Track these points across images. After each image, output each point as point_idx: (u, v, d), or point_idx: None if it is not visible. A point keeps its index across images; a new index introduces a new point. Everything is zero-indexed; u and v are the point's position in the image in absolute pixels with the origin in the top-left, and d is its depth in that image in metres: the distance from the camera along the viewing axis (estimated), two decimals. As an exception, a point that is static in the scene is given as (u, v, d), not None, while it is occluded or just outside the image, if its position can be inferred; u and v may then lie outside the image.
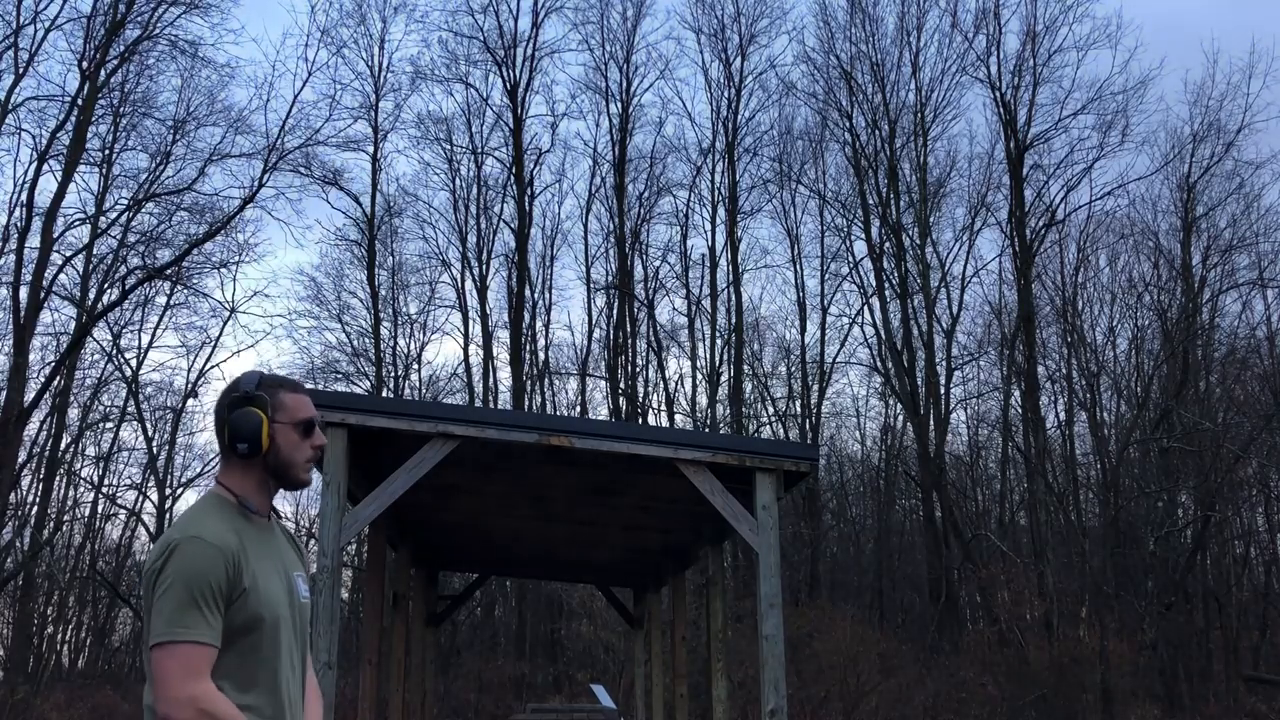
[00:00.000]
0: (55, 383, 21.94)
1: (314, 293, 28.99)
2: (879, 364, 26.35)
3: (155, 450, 26.70)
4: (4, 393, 18.28)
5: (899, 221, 25.07)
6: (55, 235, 19.50)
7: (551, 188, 37.99)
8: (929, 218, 25.33)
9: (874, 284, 25.60)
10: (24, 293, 18.77)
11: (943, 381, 25.09)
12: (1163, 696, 17.69)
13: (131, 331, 26.09)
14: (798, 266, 28.20)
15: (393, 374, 27.45)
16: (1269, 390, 20.75)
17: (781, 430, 27.18)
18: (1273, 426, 19.54)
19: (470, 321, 27.63)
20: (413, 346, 28.86)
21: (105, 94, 20.72)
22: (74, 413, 25.58)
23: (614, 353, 27.06)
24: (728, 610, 14.30)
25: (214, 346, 27.47)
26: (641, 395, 27.27)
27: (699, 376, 27.40)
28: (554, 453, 7.49)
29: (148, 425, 26.89)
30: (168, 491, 26.74)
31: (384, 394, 25.71)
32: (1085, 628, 16.65)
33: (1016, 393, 24.19)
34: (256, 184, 20.64)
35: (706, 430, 24.64)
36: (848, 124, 26.10)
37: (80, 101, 19.69)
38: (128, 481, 28.20)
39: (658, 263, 28.34)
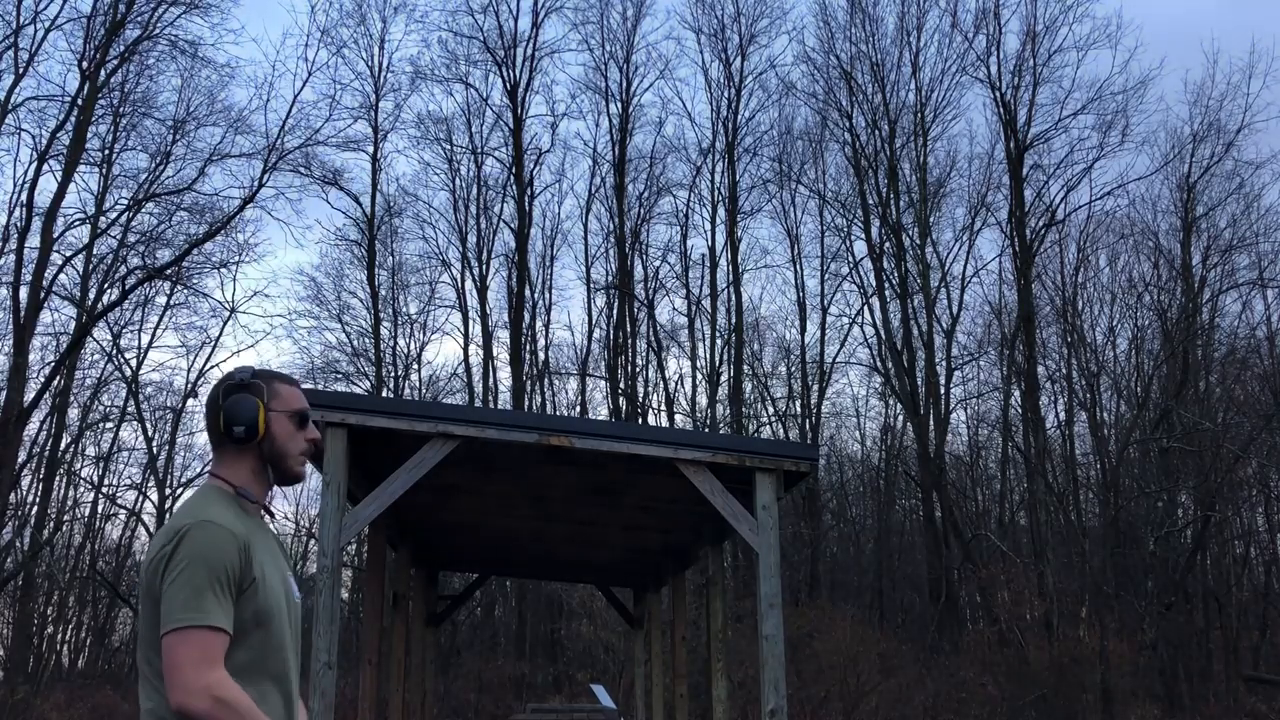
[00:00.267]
0: (55, 383, 21.95)
1: (314, 293, 29.03)
2: (879, 364, 26.37)
3: (155, 450, 26.71)
4: (4, 393, 18.28)
5: (899, 221, 25.08)
6: (55, 235, 19.51)
7: (551, 188, 38.09)
8: (929, 218, 25.34)
9: (874, 284, 25.62)
10: (24, 293, 18.78)
11: (943, 381, 25.11)
12: (1163, 696, 17.69)
13: (131, 331, 26.12)
14: (798, 266, 28.24)
15: (393, 374, 27.47)
16: (1269, 390, 20.75)
17: (781, 430, 27.18)
18: (1273, 426, 19.54)
19: (470, 321, 27.67)
20: (413, 346, 28.89)
21: (105, 94, 20.73)
22: (74, 413, 25.62)
23: (614, 353, 27.07)
24: (728, 610, 14.30)
25: (214, 346, 27.50)
26: (641, 395, 27.29)
27: (699, 376, 27.43)
28: (554, 453, 7.49)
29: (148, 425, 26.91)
30: (168, 491, 26.74)
31: (384, 394, 25.71)
32: (1085, 628, 16.65)
33: (1016, 393, 24.20)
34: (256, 184, 20.66)
35: (706, 430, 24.64)
36: (848, 124, 26.12)
37: (80, 101, 19.69)
38: (128, 481, 28.23)
39: (658, 263, 28.38)
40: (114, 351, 25.44)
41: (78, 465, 26.49)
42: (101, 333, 23.89)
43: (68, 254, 20.52)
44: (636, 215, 27.93)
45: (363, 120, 26.88)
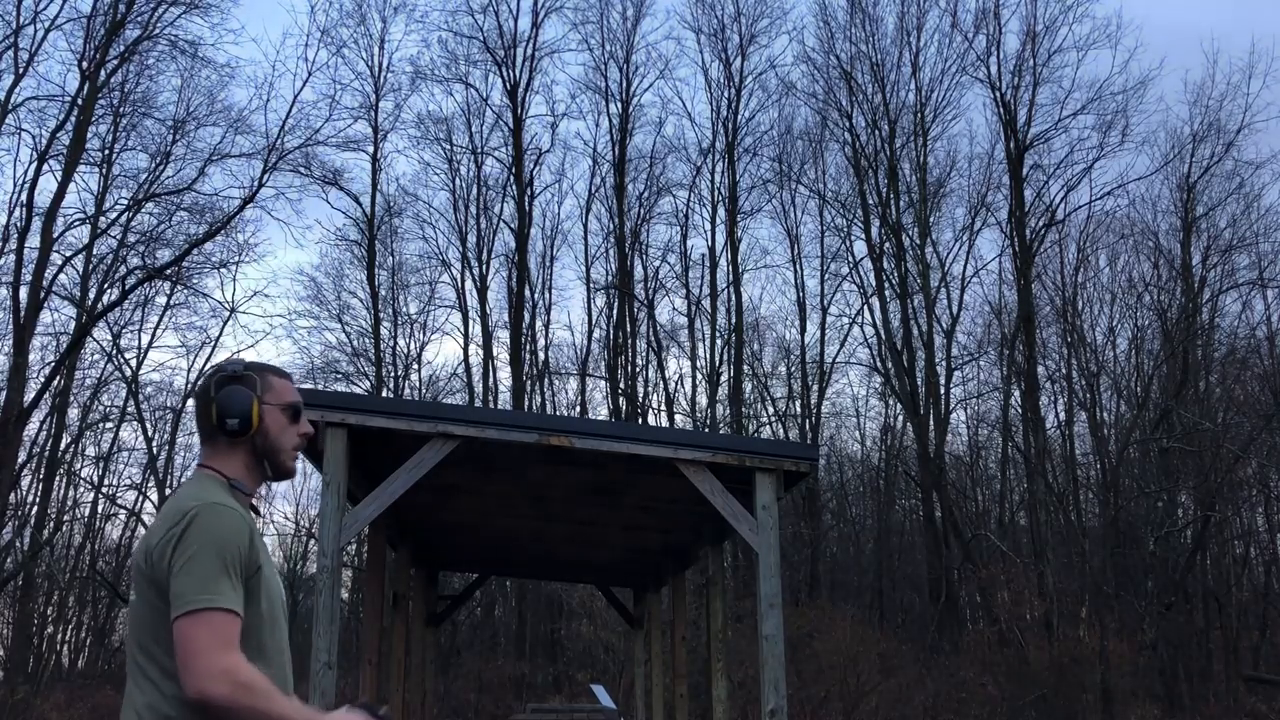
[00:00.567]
0: (55, 383, 21.94)
1: (314, 293, 29.02)
2: (879, 364, 26.36)
3: (155, 450, 26.70)
4: (4, 393, 18.28)
5: (899, 221, 25.08)
6: (55, 235, 19.50)
7: (551, 188, 38.01)
8: (929, 218, 25.34)
9: (874, 284, 25.62)
10: (24, 293, 18.77)
11: (943, 381, 25.10)
12: (1163, 696, 17.69)
13: (131, 331, 26.11)
14: (798, 266, 28.24)
15: (393, 374, 27.47)
16: (1269, 390, 20.75)
17: (781, 430, 27.18)
18: (1273, 426, 19.54)
19: (470, 321, 27.67)
20: (413, 346, 28.89)
21: (105, 94, 20.72)
22: (74, 413, 25.60)
23: (614, 353, 27.07)
24: (728, 610, 14.30)
25: (214, 346, 27.47)
26: (641, 395, 27.28)
27: (699, 376, 27.43)
28: (554, 453, 7.49)
29: (148, 425, 26.90)
30: (168, 491, 26.71)
31: (384, 394, 25.71)
32: (1085, 628, 16.65)
33: (1016, 393, 24.19)
34: (256, 184, 20.65)
35: (706, 430, 24.64)
36: (848, 124, 26.12)
37: (80, 101, 19.69)
38: (128, 481, 28.22)
39: (658, 263, 28.37)
40: (114, 351, 25.45)
41: (78, 465, 26.50)
42: (101, 333, 23.90)
43: (68, 254, 20.53)
44: (636, 215, 27.95)
45: (363, 120, 26.90)
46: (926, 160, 25.87)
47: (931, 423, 23.84)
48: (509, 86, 27.48)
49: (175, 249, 21.65)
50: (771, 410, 27.99)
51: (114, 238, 21.94)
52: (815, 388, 27.12)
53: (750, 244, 43.90)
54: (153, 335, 26.69)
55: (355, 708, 2.20)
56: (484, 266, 27.63)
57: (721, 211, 27.60)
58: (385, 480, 7.00)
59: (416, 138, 35.03)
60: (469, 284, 27.68)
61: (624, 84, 28.17)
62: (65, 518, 26.11)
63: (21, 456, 20.69)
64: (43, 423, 23.43)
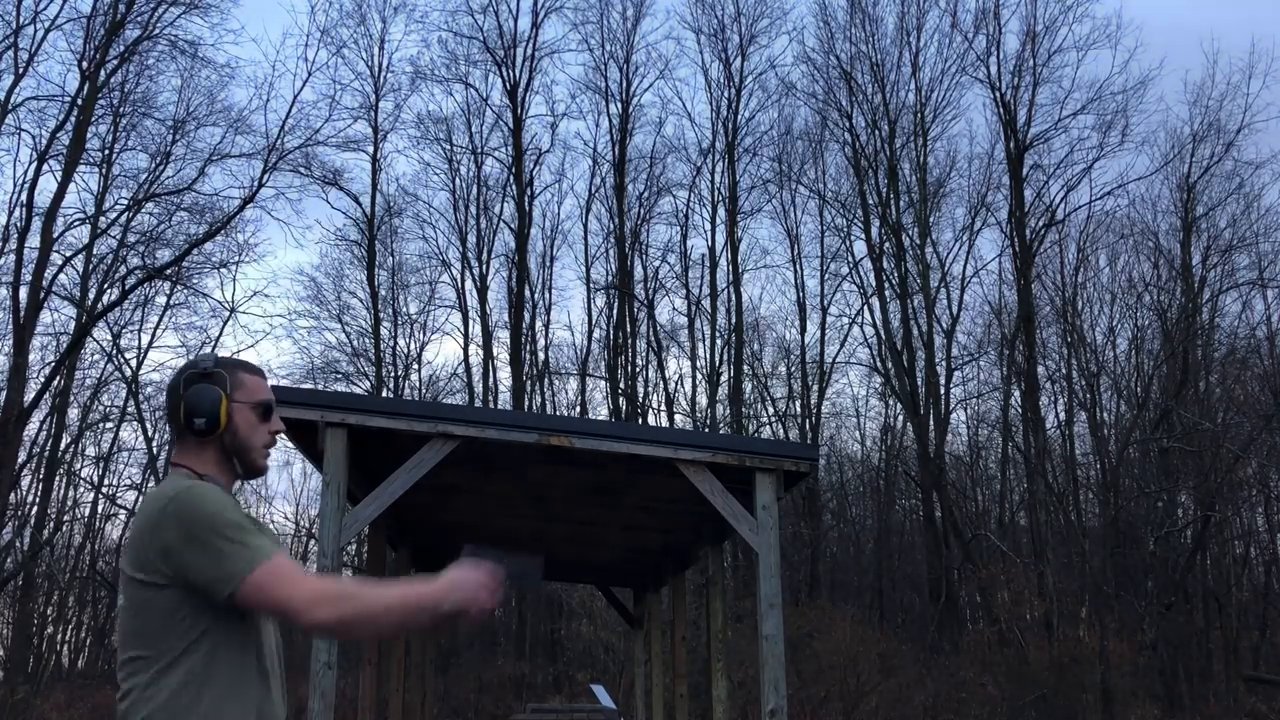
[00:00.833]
0: (55, 383, 21.94)
1: (314, 293, 29.00)
2: (879, 364, 26.36)
3: (155, 450, 26.67)
4: (4, 393, 18.28)
5: (899, 221, 25.08)
6: (55, 235, 19.51)
7: (551, 188, 38.01)
8: (929, 218, 25.34)
9: (874, 284, 25.62)
10: (24, 293, 18.78)
11: (943, 381, 25.10)
12: (1163, 696, 17.69)
13: (131, 331, 26.09)
14: (798, 266, 28.23)
15: (393, 374, 27.47)
16: (1269, 390, 20.75)
17: (781, 430, 27.18)
18: (1273, 426, 19.54)
19: (470, 321, 27.67)
20: (413, 346, 28.89)
21: (105, 94, 20.73)
22: (74, 413, 25.60)
23: (614, 353, 27.07)
24: (728, 610, 14.29)
25: (214, 347, 27.42)
26: (641, 395, 27.28)
27: (699, 376, 27.43)
28: (554, 453, 7.49)
29: (148, 425, 26.86)
30: (168, 491, 26.69)
31: (384, 394, 25.71)
32: (1085, 628, 16.65)
33: (1016, 393, 24.20)
34: (256, 184, 20.67)
35: (706, 430, 24.64)
36: (847, 124, 26.12)
37: (80, 101, 19.69)
38: (128, 481, 28.21)
39: (658, 263, 28.37)
40: (114, 351, 25.44)
41: (78, 465, 26.50)
42: (101, 333, 23.89)
43: (68, 254, 20.54)
44: (636, 215, 27.95)
45: (363, 120, 26.91)
46: (926, 160, 25.90)
47: (931, 423, 23.85)
48: (509, 86, 27.50)
49: (175, 249, 21.68)
50: (771, 410, 28.01)
51: (114, 238, 21.97)
52: (815, 388, 27.14)
53: (750, 244, 43.93)
54: (153, 335, 26.70)
55: (469, 558, 2.18)
56: (484, 266, 27.66)
57: (721, 211, 27.63)
58: (385, 480, 7.00)
59: (416, 138, 35.05)
60: (469, 284, 27.72)
61: (624, 84, 28.20)
62: (65, 518, 26.12)
63: (21, 456, 20.70)
64: (43, 423, 23.45)
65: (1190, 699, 17.69)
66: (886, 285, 25.15)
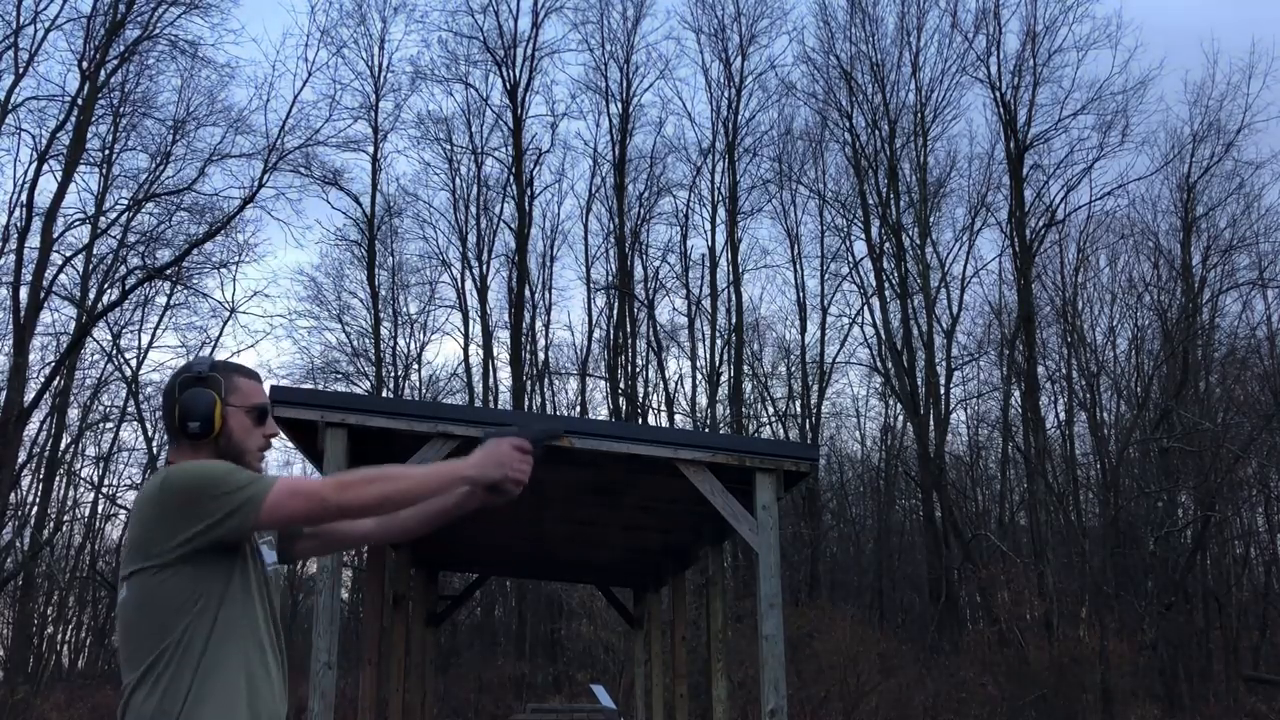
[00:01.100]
0: (55, 383, 21.94)
1: (314, 293, 29.02)
2: (879, 364, 26.36)
3: (155, 450, 26.67)
4: (4, 393, 18.28)
5: (899, 221, 25.08)
6: (55, 235, 19.51)
7: (551, 188, 38.08)
8: (929, 218, 25.34)
9: (874, 284, 25.62)
10: (24, 293, 18.77)
11: (943, 381, 25.10)
12: (1163, 696, 17.69)
13: (131, 331, 26.09)
14: (798, 266, 28.23)
15: (393, 374, 27.47)
16: (1269, 390, 20.75)
17: (781, 430, 27.18)
18: (1273, 426, 19.54)
19: (470, 321, 27.67)
20: (413, 346, 28.90)
21: (105, 94, 20.73)
22: (74, 413, 25.59)
23: (614, 353, 27.06)
24: (728, 610, 14.29)
25: (214, 347, 27.44)
26: (641, 395, 27.28)
27: (699, 376, 27.43)
28: (554, 453, 7.49)
29: (148, 425, 26.87)
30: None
31: (384, 394, 25.71)
32: (1085, 628, 16.65)
33: (1016, 393, 24.19)
34: (256, 184, 20.67)
35: (706, 430, 24.64)
36: (848, 124, 26.12)
37: (80, 101, 19.69)
38: (128, 481, 28.19)
39: (658, 263, 28.37)
40: (114, 351, 25.44)
41: (78, 465, 26.50)
42: (101, 333, 23.90)
43: (68, 254, 20.53)
44: (636, 215, 27.95)
45: (363, 120, 26.91)
46: (926, 160, 25.90)
47: (931, 423, 23.84)
48: (509, 86, 27.50)
49: (175, 249, 21.68)
50: (771, 410, 28.01)
51: (114, 238, 21.97)
52: (815, 388, 27.14)
53: (750, 244, 44.01)
54: (153, 335, 26.70)
55: (492, 437, 2.27)
56: (484, 266, 27.67)
57: (721, 211, 27.63)
58: (385, 480, 6.98)
59: (416, 138, 35.09)
60: (469, 284, 27.72)
61: (624, 84, 28.20)
62: (65, 518, 26.12)
63: (21, 456, 20.69)
64: (43, 423, 23.45)
65: (1190, 699, 17.69)
66: (886, 285, 25.17)
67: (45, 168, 19.67)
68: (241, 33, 52.58)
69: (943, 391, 25.00)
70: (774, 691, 7.01)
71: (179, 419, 2.21)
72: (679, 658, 11.42)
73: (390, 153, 52.30)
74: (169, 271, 21.53)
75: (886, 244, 25.26)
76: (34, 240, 19.17)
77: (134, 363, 26.42)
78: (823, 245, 27.87)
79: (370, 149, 27.00)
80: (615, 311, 27.24)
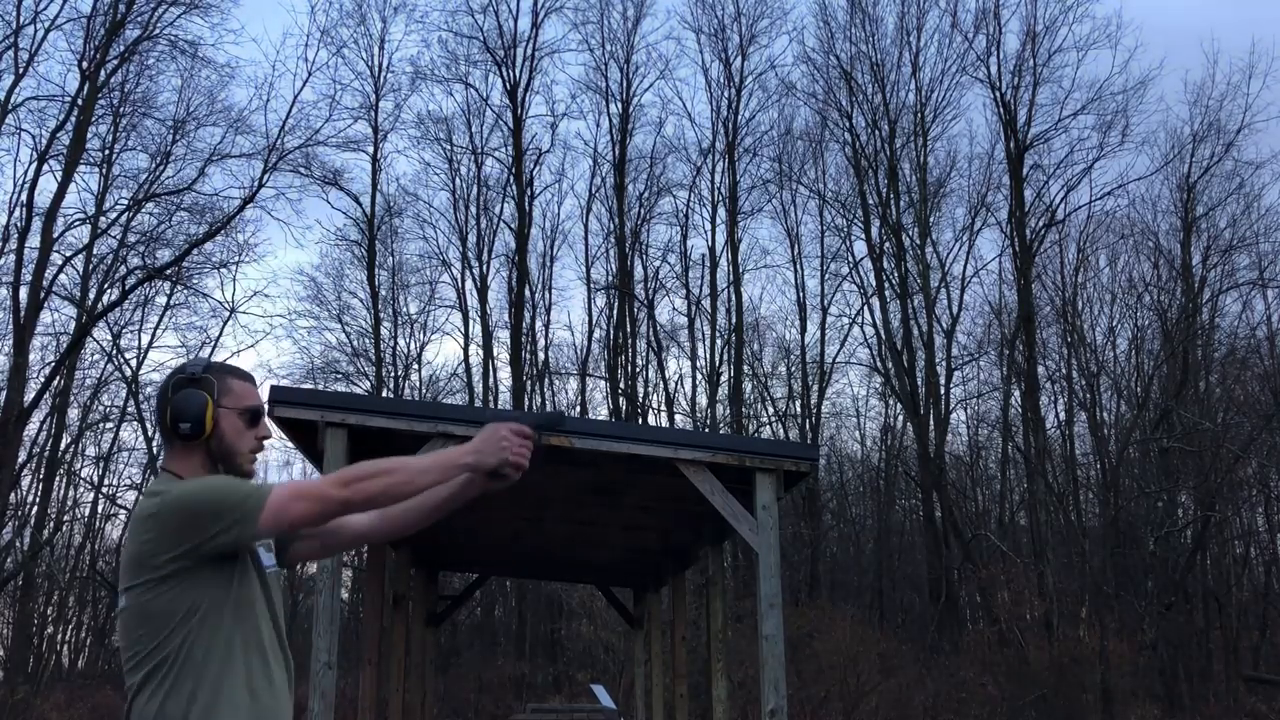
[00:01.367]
0: (55, 383, 21.94)
1: (314, 293, 28.99)
2: (879, 364, 26.36)
3: (155, 450, 26.65)
4: (4, 393, 18.28)
5: (899, 221, 25.08)
6: (55, 235, 19.51)
7: (551, 188, 38.00)
8: (929, 218, 25.34)
9: (874, 284, 25.62)
10: (24, 293, 18.77)
11: (943, 381, 25.10)
12: (1163, 696, 17.69)
13: (131, 331, 26.08)
14: (798, 266, 28.23)
15: (393, 374, 27.47)
16: (1269, 390, 20.75)
17: (781, 430, 27.18)
18: (1273, 426, 19.54)
19: (470, 321, 27.67)
20: (413, 346, 28.89)
21: (105, 94, 20.73)
22: (74, 413, 25.59)
23: (614, 353, 27.07)
24: (728, 610, 14.29)
25: (214, 347, 27.43)
26: (641, 395, 27.28)
27: (699, 376, 27.43)
28: (554, 453, 7.49)
29: (148, 425, 26.83)
30: (168, 491, 26.65)
31: (384, 394, 25.70)
32: (1085, 628, 16.65)
33: (1016, 393, 24.20)
34: (256, 184, 20.67)
35: (706, 430, 24.64)
36: (848, 124, 26.12)
37: (80, 101, 19.69)
38: (128, 481, 28.19)
39: (658, 263, 28.37)
40: (114, 351, 25.44)
41: (78, 465, 26.50)
42: (101, 333, 23.89)
43: (68, 254, 20.53)
44: (636, 215, 27.95)
45: (363, 120, 26.90)
46: (926, 160, 25.90)
47: (931, 423, 23.85)
48: (509, 86, 27.50)
49: (175, 249, 21.67)
50: (771, 410, 28.01)
51: (114, 238, 21.96)
52: (815, 388, 27.14)
53: (750, 244, 43.95)
54: (153, 335, 26.69)
55: (492, 422, 2.26)
56: (484, 266, 27.67)
57: (722, 211, 27.63)
58: (385, 480, 6.98)
59: (416, 138, 35.04)
60: (469, 284, 27.72)
61: (624, 84, 28.20)
62: (65, 518, 26.13)
63: (21, 456, 20.69)
64: (43, 423, 23.44)
65: (1190, 699, 17.68)
66: (886, 285, 25.17)
67: (45, 168, 19.69)
68: (241, 33, 52.63)
69: (943, 391, 25.01)
70: (774, 691, 7.01)
71: (170, 420, 2.21)
72: (679, 658, 11.42)
73: (390, 153, 52.28)
74: (169, 271, 21.53)
75: (886, 244, 25.27)
76: (34, 240, 19.18)
77: (134, 363, 26.43)
78: (823, 245, 27.91)
79: (370, 149, 27.03)
80: (615, 311, 27.26)
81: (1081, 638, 16.28)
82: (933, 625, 21.75)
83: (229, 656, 2.09)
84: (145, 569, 2.07)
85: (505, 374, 27.39)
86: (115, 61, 20.42)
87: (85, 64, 19.76)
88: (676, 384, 28.23)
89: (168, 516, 2.06)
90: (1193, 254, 23.53)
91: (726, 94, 27.81)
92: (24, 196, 19.86)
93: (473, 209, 27.88)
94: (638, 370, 27.43)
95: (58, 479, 24.93)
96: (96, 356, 25.44)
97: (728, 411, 26.05)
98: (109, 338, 24.90)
